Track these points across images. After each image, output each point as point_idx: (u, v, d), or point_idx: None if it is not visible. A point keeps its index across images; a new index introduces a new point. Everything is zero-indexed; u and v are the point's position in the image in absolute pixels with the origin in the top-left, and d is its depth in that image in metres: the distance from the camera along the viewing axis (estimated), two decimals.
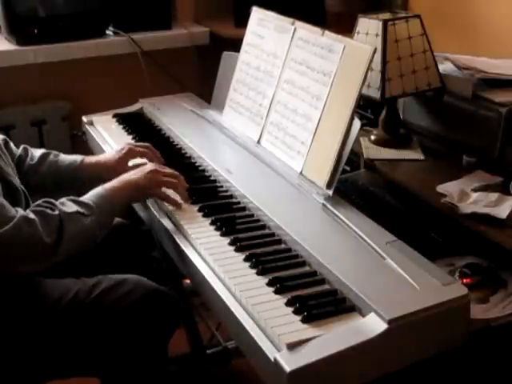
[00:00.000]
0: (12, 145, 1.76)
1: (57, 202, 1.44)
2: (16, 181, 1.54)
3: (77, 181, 1.76)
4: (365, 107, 1.94)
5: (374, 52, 1.47)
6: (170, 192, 1.58)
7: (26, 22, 2.49)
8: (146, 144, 1.80)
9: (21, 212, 1.38)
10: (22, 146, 1.79)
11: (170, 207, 1.56)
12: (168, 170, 1.61)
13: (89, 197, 1.48)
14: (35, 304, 1.47)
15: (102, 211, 1.46)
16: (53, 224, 1.38)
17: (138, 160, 1.75)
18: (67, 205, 1.44)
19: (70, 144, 2.65)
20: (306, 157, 1.58)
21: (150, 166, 1.59)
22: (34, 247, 1.36)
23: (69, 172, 1.75)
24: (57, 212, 1.40)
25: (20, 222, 1.34)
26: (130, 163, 1.74)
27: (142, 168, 1.59)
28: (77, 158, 1.77)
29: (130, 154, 1.75)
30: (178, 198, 1.57)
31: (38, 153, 1.79)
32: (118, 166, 1.72)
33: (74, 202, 1.45)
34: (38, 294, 1.49)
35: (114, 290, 1.50)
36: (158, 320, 1.50)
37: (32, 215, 1.38)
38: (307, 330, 1.12)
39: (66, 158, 1.78)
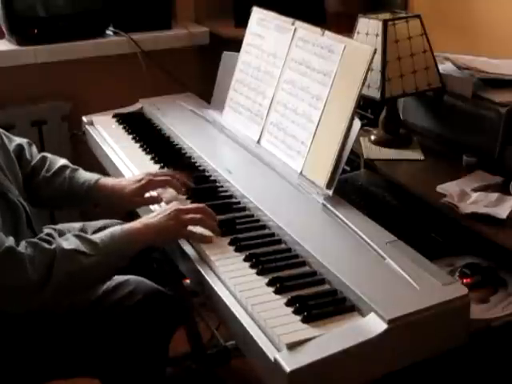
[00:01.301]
0: (27, 153, 1.69)
1: (57, 237, 1.37)
2: (14, 193, 1.48)
3: (88, 201, 1.70)
4: (365, 107, 1.94)
5: (375, 52, 1.47)
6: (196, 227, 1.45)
7: (26, 22, 2.49)
8: (168, 172, 1.68)
9: (9, 242, 1.29)
10: (40, 155, 1.73)
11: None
12: (192, 206, 1.49)
13: (100, 235, 1.39)
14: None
15: (110, 252, 1.36)
16: (42, 259, 1.29)
17: (160, 190, 1.64)
18: (69, 240, 1.35)
19: (70, 144, 2.64)
20: (306, 157, 1.58)
21: (171, 207, 1.46)
22: (17, 282, 1.27)
23: (81, 191, 1.66)
24: (52, 247, 1.31)
25: (4, 254, 1.27)
26: (154, 193, 1.64)
27: (163, 209, 1.46)
28: (92, 177, 1.68)
29: (149, 186, 1.62)
30: (207, 232, 1.44)
31: (56, 165, 1.71)
32: (133, 197, 1.62)
33: (79, 238, 1.36)
34: None
35: (116, 291, 1.50)
36: (159, 320, 1.50)
37: (22, 248, 1.29)
38: (307, 330, 1.12)
39: (82, 176, 1.69)
